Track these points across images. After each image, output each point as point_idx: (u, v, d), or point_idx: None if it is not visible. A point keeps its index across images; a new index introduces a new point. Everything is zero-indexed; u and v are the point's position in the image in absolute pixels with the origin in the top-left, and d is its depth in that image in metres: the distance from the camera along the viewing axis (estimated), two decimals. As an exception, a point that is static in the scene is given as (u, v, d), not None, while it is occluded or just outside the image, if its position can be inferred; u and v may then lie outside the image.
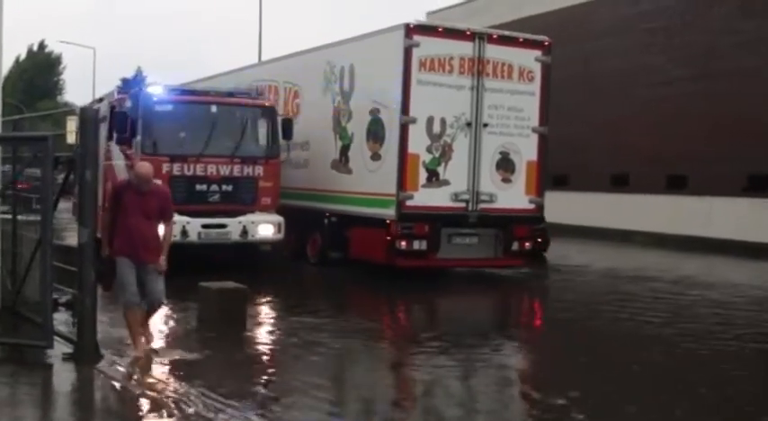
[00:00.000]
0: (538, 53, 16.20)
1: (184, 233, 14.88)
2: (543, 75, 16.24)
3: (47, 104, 69.57)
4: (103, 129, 16.92)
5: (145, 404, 6.84)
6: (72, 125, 31.17)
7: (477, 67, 15.33)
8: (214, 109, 15.90)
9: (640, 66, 27.80)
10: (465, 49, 15.26)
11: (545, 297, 16.01)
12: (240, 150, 15.85)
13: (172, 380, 7.72)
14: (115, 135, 15.64)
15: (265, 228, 15.86)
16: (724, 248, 23.20)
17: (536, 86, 16.11)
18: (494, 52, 15.52)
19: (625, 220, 27.40)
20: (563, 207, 27.88)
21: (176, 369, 8.24)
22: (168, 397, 6.97)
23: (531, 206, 16.00)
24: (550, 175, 30.95)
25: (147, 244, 8.55)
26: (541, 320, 13.41)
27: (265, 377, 8.40)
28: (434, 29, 15.48)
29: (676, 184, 26.29)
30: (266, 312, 12.27)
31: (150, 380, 7.61)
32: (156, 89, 16.05)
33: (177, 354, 8.82)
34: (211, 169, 15.42)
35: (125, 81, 60.81)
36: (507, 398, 8.04)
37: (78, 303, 8.07)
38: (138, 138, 15.19)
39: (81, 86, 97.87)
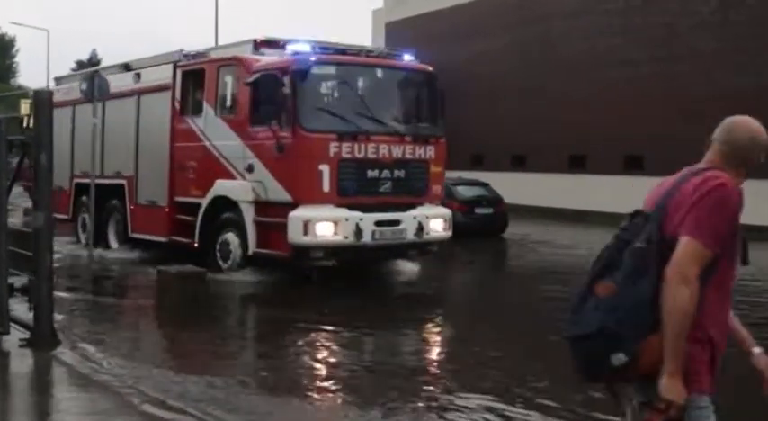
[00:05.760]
0: None
1: (358, 233, 12.23)
2: None
3: (0, 87, 68.54)
4: (151, 100, 14.89)
5: (101, 389, 6.78)
6: (26, 108, 30.66)
7: None
8: (379, 73, 13.43)
9: (599, 47, 27.95)
10: None
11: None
12: (411, 126, 13.44)
13: (131, 365, 7.69)
14: (261, 107, 12.45)
15: (437, 223, 13.35)
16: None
17: None
18: None
19: (583, 201, 27.62)
20: (521, 188, 28.08)
21: (135, 354, 8.19)
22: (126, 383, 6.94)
23: None
24: (509, 156, 31.28)
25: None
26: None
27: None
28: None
29: (633, 165, 26.53)
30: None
31: (107, 366, 7.55)
32: (302, 46, 12.93)
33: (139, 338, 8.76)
34: (383, 150, 12.71)
35: (81, 64, 60.05)
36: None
37: (35, 289, 7.95)
38: (294, 110, 12.22)
39: (35, 69, 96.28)
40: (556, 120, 28.88)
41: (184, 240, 13.80)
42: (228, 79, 13.46)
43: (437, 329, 10.75)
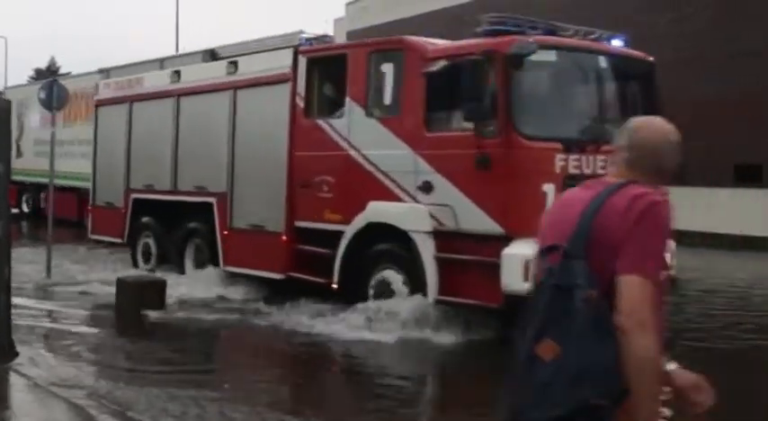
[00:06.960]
0: None
1: None
2: None
3: (-43, 95, 67.69)
4: (255, 96, 12.05)
5: (59, 401, 6.71)
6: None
7: None
8: (603, 63, 10.35)
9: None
10: None
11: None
12: None
13: (90, 377, 7.64)
14: (461, 105, 9.22)
15: None
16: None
17: None
18: None
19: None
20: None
21: (93, 366, 8.14)
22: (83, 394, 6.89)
23: None
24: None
25: None
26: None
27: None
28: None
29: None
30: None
31: (65, 378, 7.48)
32: (505, 23, 9.75)
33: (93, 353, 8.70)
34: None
35: (39, 72, 59.47)
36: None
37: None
38: (507, 110, 9.00)
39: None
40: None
41: (313, 278, 10.80)
42: (388, 68, 10.28)
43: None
